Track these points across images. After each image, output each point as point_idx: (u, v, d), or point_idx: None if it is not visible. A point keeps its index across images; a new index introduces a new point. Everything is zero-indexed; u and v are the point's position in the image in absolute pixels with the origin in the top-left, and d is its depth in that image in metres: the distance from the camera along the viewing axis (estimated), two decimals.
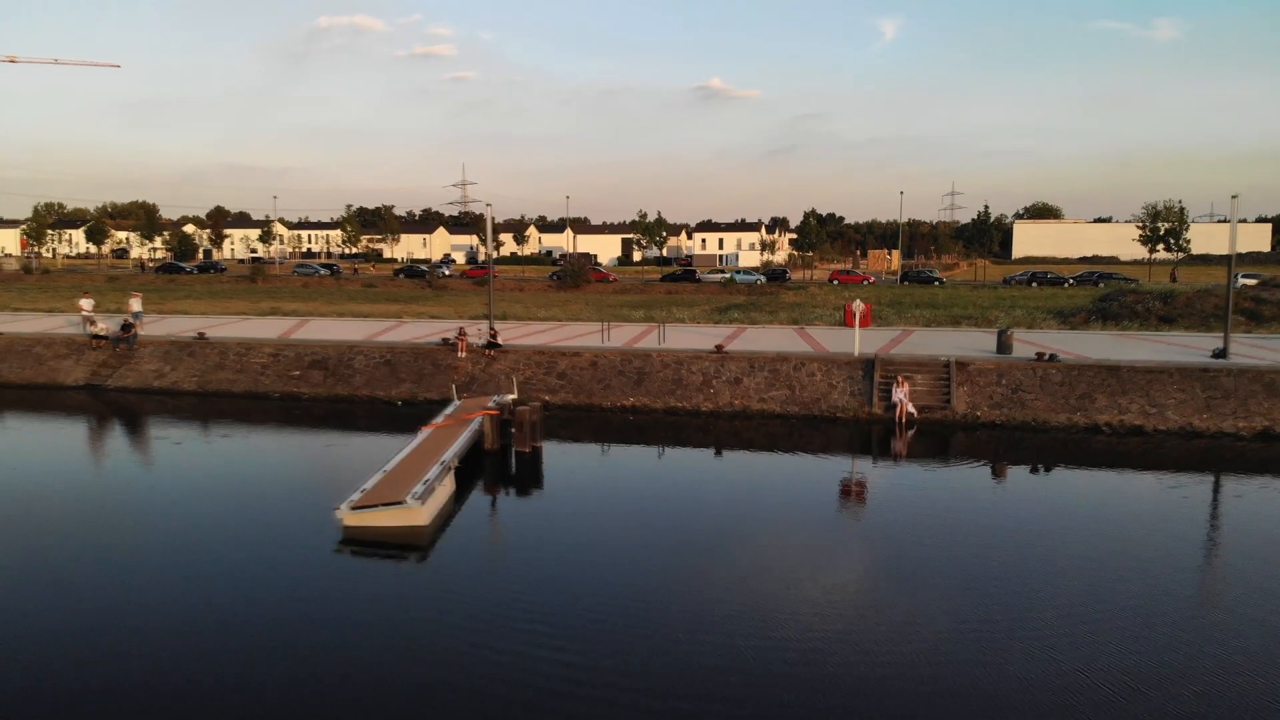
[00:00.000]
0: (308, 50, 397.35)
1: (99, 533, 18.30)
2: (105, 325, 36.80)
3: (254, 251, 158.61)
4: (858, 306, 30.24)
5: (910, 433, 26.97)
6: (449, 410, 25.89)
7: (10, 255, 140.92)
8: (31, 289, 77.56)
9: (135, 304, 37.95)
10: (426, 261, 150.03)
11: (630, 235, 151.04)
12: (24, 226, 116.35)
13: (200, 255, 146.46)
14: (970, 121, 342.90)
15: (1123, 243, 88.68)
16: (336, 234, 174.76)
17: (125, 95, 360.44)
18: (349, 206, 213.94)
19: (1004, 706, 11.43)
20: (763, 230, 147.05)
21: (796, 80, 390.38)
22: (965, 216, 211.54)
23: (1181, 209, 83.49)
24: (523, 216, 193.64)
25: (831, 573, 16.34)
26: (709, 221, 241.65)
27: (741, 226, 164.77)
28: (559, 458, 24.71)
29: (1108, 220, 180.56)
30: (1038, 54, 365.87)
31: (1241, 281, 73.57)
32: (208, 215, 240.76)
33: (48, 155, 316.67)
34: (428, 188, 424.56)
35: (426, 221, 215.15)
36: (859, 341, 30.79)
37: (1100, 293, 52.67)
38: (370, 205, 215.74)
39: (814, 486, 22.76)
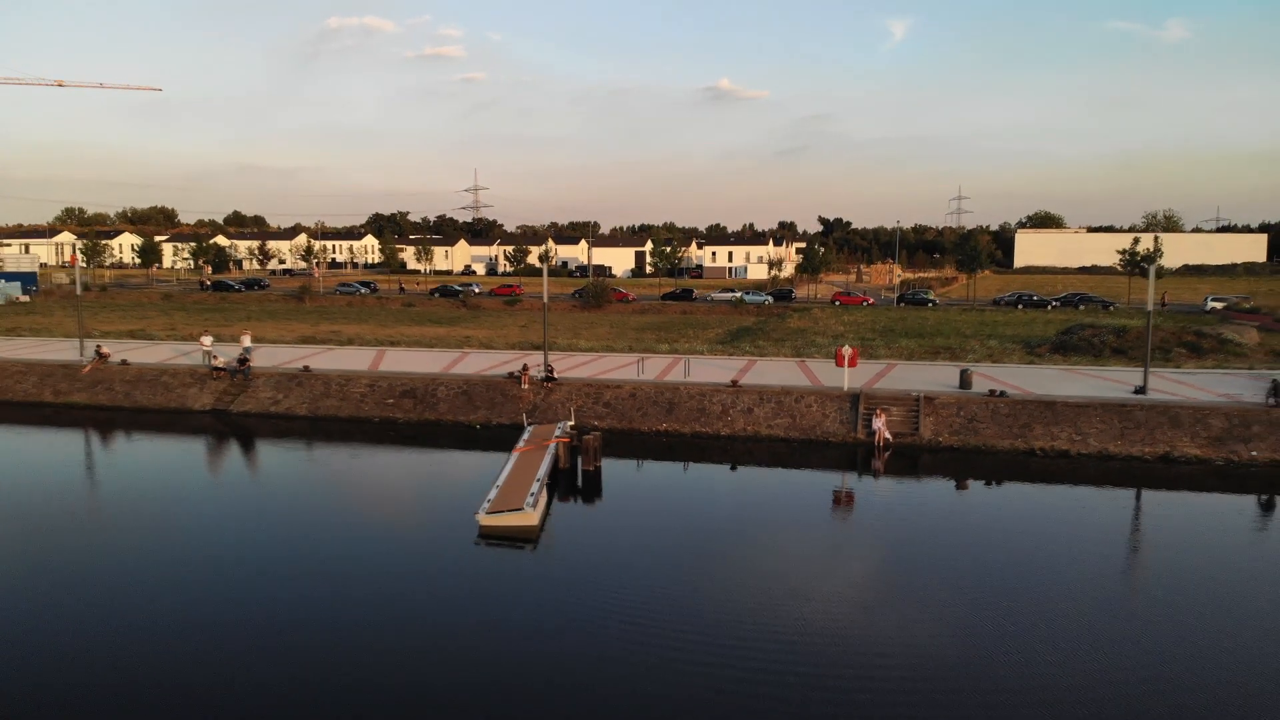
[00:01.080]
0: (318, 51, 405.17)
1: (295, 530, 25.65)
2: (224, 359, 44.19)
3: (283, 263, 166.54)
4: (846, 351, 37.41)
5: (886, 454, 34.15)
6: (526, 436, 33.20)
7: (48, 266, 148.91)
8: (98, 308, 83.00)
9: (246, 339, 45.46)
10: (449, 273, 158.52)
11: (642, 248, 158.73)
12: (80, 243, 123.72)
13: (231, 266, 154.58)
14: (978, 122, 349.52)
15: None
16: (359, 243, 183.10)
17: (136, 97, 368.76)
18: (372, 219, 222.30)
19: (973, 662, 18.66)
20: (770, 244, 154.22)
21: (806, 81, 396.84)
22: (971, 221, 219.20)
23: (1161, 230, 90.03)
24: (539, 229, 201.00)
25: (823, 559, 23.61)
26: (718, 226, 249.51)
27: (749, 239, 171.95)
28: (613, 473, 31.93)
29: (1109, 229, 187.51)
30: (1048, 54, 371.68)
31: (1210, 304, 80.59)
32: (225, 220, 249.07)
33: (56, 157, 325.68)
34: (439, 190, 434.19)
35: (442, 230, 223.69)
36: (848, 378, 38.00)
37: (1066, 324, 59.62)
38: (382, 206, 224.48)
39: (810, 495, 30.08)
